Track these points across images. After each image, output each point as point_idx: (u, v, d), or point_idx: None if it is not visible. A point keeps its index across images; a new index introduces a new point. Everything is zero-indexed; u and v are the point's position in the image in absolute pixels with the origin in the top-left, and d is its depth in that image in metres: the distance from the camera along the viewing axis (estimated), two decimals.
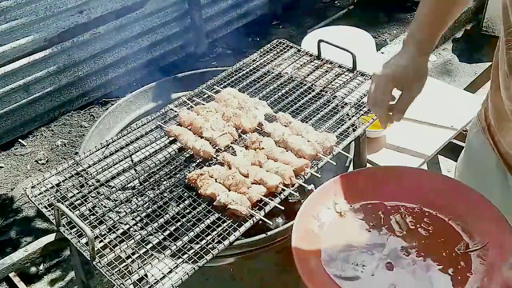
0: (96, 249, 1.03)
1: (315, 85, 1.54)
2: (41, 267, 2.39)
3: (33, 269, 2.37)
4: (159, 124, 1.42)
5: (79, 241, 1.08)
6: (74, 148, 3.04)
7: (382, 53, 3.61)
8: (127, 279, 0.99)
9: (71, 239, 1.08)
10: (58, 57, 3.14)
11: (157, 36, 3.61)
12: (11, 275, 2.13)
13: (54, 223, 1.13)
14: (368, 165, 1.66)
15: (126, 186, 1.25)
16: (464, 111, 1.85)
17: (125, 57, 3.49)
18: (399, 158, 1.68)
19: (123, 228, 1.11)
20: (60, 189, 1.22)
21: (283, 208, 1.15)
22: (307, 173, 1.20)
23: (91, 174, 1.27)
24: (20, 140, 3.13)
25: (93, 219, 1.13)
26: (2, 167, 2.94)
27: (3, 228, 2.57)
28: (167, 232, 1.09)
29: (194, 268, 1.00)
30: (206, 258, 1.02)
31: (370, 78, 1.54)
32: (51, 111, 3.27)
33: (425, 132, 1.79)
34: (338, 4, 4.50)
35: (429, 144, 1.75)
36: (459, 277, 0.73)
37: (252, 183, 1.16)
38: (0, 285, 2.31)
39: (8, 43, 2.89)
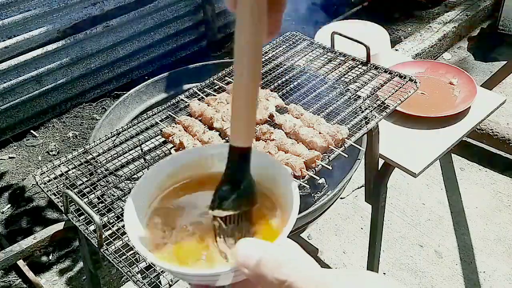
0: (104, 236, 1.02)
1: (328, 78, 1.52)
2: (51, 257, 2.40)
3: (43, 259, 2.38)
4: (169, 114, 1.41)
5: (87, 229, 1.07)
6: (85, 140, 3.05)
7: (397, 50, 3.57)
8: (134, 267, 0.98)
9: (79, 226, 1.08)
10: (71, 49, 3.15)
11: (169, 30, 3.61)
12: (21, 264, 2.14)
13: (63, 210, 1.12)
14: (380, 159, 1.63)
15: (135, 175, 1.24)
16: (478, 108, 1.82)
17: (138, 50, 3.49)
18: (411, 154, 1.65)
19: None
20: (69, 177, 1.22)
21: None
22: (318, 165, 1.18)
23: (100, 163, 1.26)
24: (32, 131, 3.15)
25: (101, 207, 1.13)
26: (13, 157, 2.96)
27: (14, 218, 2.59)
28: None
29: None
30: None
31: (385, 72, 1.52)
32: (63, 103, 3.28)
33: (438, 129, 1.76)
34: (353, 0, 4.46)
35: (441, 141, 1.72)
36: None
37: None
38: (10, 274, 2.33)
39: (21, 34, 2.91)
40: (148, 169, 0.57)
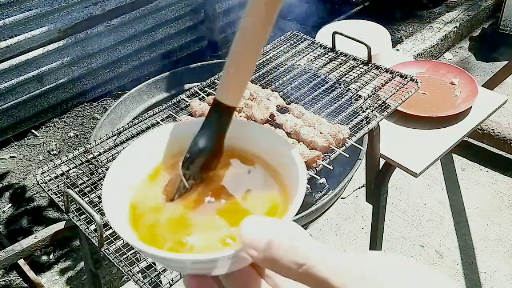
0: (104, 236, 1.02)
1: (329, 77, 1.52)
2: (51, 256, 2.40)
3: (43, 258, 2.38)
4: (170, 114, 1.41)
5: (87, 228, 1.07)
6: (86, 139, 3.05)
7: (398, 50, 3.57)
8: (135, 266, 0.98)
9: (80, 225, 1.08)
10: (72, 49, 3.15)
11: (170, 30, 3.61)
12: (21, 263, 2.15)
13: (63, 210, 1.12)
14: (381, 159, 1.63)
15: None
16: (480, 108, 1.82)
17: (139, 50, 3.49)
18: (412, 154, 1.65)
19: None
20: (70, 176, 1.22)
21: None
22: (319, 165, 1.18)
23: (101, 162, 1.26)
24: (33, 130, 3.15)
25: (102, 206, 1.13)
26: (14, 157, 2.96)
27: (14, 217, 2.59)
28: None
29: None
30: None
31: (386, 72, 1.51)
32: (64, 102, 3.28)
33: (439, 129, 1.76)
34: (354, 0, 4.45)
35: (442, 141, 1.72)
36: None
37: None
38: (10, 273, 2.33)
39: (23, 34, 2.91)
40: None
